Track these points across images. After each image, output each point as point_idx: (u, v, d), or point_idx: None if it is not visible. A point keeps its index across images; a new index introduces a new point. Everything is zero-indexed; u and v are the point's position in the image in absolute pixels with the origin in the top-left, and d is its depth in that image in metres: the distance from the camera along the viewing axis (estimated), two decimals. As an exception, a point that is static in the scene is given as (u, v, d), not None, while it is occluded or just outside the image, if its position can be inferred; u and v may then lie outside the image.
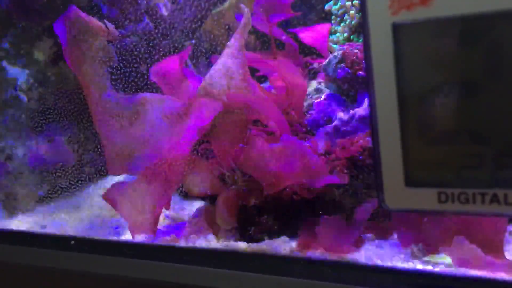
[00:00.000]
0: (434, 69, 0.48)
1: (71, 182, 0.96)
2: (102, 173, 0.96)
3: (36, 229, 0.86)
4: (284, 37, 0.83)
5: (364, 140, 0.66)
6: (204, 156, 0.77)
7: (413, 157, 0.50)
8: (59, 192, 0.96)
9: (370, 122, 0.52)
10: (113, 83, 0.73)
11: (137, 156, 0.73)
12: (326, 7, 0.94)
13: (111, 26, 0.74)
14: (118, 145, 0.73)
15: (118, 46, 0.82)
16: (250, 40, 0.95)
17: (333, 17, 0.92)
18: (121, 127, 0.73)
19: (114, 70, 0.78)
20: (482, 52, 0.46)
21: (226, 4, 0.98)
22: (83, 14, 0.73)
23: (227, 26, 0.95)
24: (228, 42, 0.71)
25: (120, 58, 0.80)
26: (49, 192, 0.96)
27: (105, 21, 0.74)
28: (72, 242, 0.75)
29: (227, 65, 0.70)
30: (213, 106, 0.69)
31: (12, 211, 0.94)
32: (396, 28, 0.48)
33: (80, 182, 0.96)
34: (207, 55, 0.90)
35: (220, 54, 0.72)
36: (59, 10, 0.89)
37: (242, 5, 0.73)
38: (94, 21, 0.73)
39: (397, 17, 0.48)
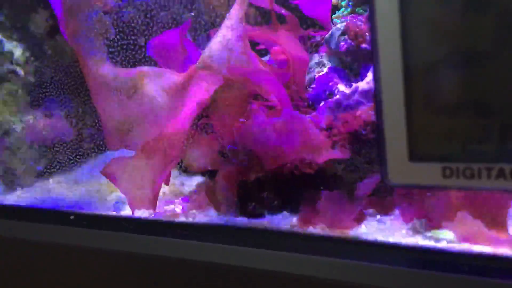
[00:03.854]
0: (441, 38, 0.47)
1: (70, 157, 0.96)
2: (101, 148, 0.96)
3: (35, 204, 0.85)
4: (283, 11, 0.81)
5: (366, 114, 0.65)
6: (204, 131, 0.76)
7: (417, 131, 0.49)
8: (57, 167, 0.95)
9: (374, 94, 0.50)
10: (110, 56, 0.72)
11: (136, 130, 0.72)
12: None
13: (107, -3, 0.72)
14: (117, 120, 0.72)
15: (115, 17, 0.80)
16: (250, 13, 0.93)
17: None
18: (119, 101, 0.71)
19: (111, 42, 0.76)
20: (491, 20, 0.45)
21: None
22: (78, -16, 0.71)
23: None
24: (228, 14, 0.69)
25: (117, 30, 0.79)
26: (48, 167, 0.95)
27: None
28: (72, 217, 0.75)
29: (226, 37, 0.69)
30: (213, 80, 0.68)
31: (11, 186, 0.94)
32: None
33: (79, 157, 0.96)
34: (206, 28, 0.88)
35: (219, 26, 0.70)
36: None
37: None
38: (90, -8, 0.71)
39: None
